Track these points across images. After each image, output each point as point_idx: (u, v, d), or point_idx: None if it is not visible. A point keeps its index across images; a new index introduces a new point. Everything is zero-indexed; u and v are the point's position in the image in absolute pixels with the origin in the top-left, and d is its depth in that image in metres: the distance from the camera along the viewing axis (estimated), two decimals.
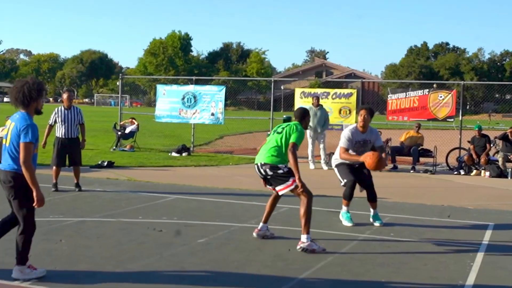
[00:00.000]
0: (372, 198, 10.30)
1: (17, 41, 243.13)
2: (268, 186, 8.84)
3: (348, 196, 10.09)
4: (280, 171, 8.44)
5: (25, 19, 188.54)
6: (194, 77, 26.34)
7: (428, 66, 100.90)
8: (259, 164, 8.66)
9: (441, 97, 21.29)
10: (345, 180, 10.06)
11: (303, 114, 8.85)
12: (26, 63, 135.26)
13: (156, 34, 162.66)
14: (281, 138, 8.51)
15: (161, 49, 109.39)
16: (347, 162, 10.10)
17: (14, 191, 6.28)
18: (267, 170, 8.53)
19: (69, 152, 12.97)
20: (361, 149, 10.02)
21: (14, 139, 6.24)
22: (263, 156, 8.64)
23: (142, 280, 6.58)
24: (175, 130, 31.32)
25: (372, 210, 10.37)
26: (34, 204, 6.25)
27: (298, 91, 23.11)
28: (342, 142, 9.99)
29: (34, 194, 6.19)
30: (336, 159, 10.35)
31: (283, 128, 8.65)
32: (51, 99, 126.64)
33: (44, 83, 6.55)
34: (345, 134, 10.03)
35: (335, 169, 10.32)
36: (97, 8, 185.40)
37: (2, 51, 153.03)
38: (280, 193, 8.66)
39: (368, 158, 9.51)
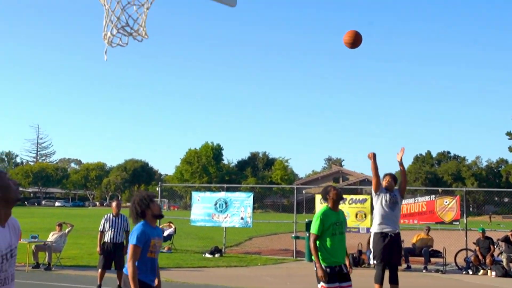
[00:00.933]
0: (394, 280, 9.57)
1: (69, 152, 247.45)
2: None
3: (380, 279, 9.42)
4: (315, 269, 7.88)
5: (76, 131, 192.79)
6: (225, 185, 26.41)
7: (433, 172, 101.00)
8: None
9: (446, 202, 21.07)
10: (376, 262, 9.55)
11: (325, 192, 8.14)
12: (76, 171, 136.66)
13: (191, 145, 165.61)
14: None
15: (195, 158, 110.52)
16: (385, 231, 9.53)
17: None
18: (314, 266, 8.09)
19: (114, 256, 12.87)
20: (392, 207, 9.64)
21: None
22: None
23: None
24: (209, 233, 31.14)
25: None
26: None
27: (318, 197, 22.98)
28: None
29: None
30: (375, 225, 9.80)
31: None
32: (97, 203, 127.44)
33: (149, 194, 6.54)
34: None
35: (372, 238, 9.71)
36: (140, 123, 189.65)
37: (55, 160, 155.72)
38: None
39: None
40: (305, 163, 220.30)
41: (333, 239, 7.84)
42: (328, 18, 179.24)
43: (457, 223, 21.33)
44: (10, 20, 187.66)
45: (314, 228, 7.82)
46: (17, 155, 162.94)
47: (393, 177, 9.97)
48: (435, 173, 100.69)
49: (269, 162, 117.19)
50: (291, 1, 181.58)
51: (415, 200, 21.72)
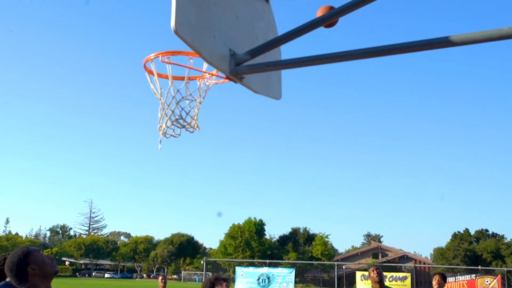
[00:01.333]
0: None
1: (119, 225, 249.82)
2: None
3: None
4: None
5: (126, 206, 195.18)
6: (267, 261, 26.17)
7: (471, 249, 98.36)
8: None
9: (487, 281, 20.41)
10: None
11: (368, 273, 8.14)
12: (125, 244, 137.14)
13: (235, 220, 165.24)
14: None
15: (239, 233, 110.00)
16: None
17: None
18: None
19: None
20: None
21: None
22: None
23: None
24: None
25: None
26: None
27: (358, 274, 22.58)
28: None
29: None
30: None
31: None
32: (144, 275, 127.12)
33: (212, 278, 6.33)
34: None
35: None
36: (187, 198, 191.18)
37: (106, 233, 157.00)
38: None
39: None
40: (344, 239, 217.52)
41: None
42: (366, 99, 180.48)
43: None
44: (62, 93, 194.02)
45: None
46: (70, 228, 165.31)
47: (442, 276, 9.75)
48: (474, 250, 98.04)
49: (310, 238, 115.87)
50: (333, 83, 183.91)
51: (455, 279, 21.10)
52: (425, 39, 4.22)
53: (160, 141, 5.10)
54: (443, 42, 4.13)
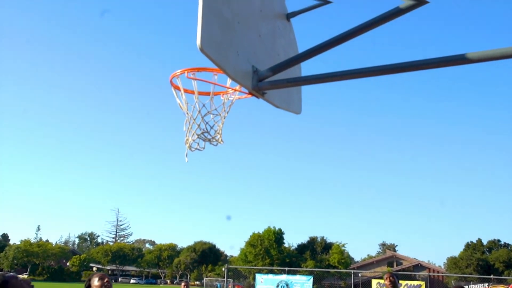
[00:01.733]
0: None
1: (144, 233, 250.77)
2: None
3: None
4: None
5: (151, 215, 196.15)
6: (286, 268, 26.05)
7: (484, 259, 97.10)
8: None
9: None
10: None
11: (384, 279, 8.07)
12: (150, 251, 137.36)
13: (255, 229, 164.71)
14: None
15: (259, 241, 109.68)
16: None
17: None
18: None
19: None
20: None
21: None
22: None
23: None
24: None
25: None
26: None
27: (374, 282, 22.36)
28: None
29: None
30: None
31: None
32: (168, 281, 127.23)
33: None
34: None
35: None
36: (209, 207, 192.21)
37: (132, 241, 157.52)
38: None
39: None
40: (360, 248, 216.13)
41: None
42: (382, 115, 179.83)
43: None
44: (86, 105, 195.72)
45: None
46: (98, 236, 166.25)
47: None
48: (486, 260, 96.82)
49: (327, 246, 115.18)
50: (352, 98, 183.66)
51: None
52: (441, 57, 4.18)
53: (186, 155, 5.10)
54: (459, 60, 4.09)
